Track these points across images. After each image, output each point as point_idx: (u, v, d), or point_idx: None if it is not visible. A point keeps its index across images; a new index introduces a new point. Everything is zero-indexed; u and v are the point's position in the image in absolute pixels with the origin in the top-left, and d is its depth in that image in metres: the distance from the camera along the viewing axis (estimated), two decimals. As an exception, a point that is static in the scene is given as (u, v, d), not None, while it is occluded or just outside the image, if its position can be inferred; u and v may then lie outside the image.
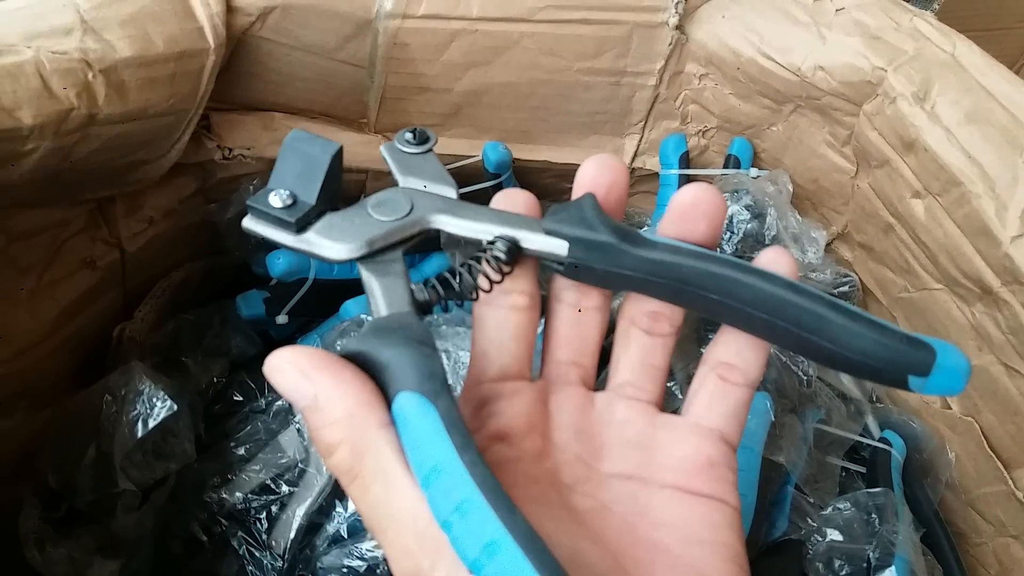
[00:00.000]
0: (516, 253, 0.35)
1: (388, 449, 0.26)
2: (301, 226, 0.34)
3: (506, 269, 0.35)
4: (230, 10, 0.56)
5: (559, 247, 0.35)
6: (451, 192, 0.37)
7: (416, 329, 0.30)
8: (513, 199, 0.36)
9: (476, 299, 0.35)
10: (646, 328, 0.37)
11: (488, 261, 0.35)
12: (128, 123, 0.51)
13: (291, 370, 0.28)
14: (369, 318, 0.57)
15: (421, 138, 0.39)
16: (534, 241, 0.35)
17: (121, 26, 0.50)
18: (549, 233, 0.35)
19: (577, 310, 0.37)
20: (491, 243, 0.35)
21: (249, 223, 0.34)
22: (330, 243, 0.34)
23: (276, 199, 0.34)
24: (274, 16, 0.58)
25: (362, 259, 0.34)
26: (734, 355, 0.36)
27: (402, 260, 0.35)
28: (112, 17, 0.50)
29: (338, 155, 0.35)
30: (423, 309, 0.34)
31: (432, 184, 0.37)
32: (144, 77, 0.51)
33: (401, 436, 0.27)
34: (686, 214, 0.35)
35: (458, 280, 0.34)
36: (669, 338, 0.37)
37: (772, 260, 0.34)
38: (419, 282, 0.34)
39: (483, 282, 0.35)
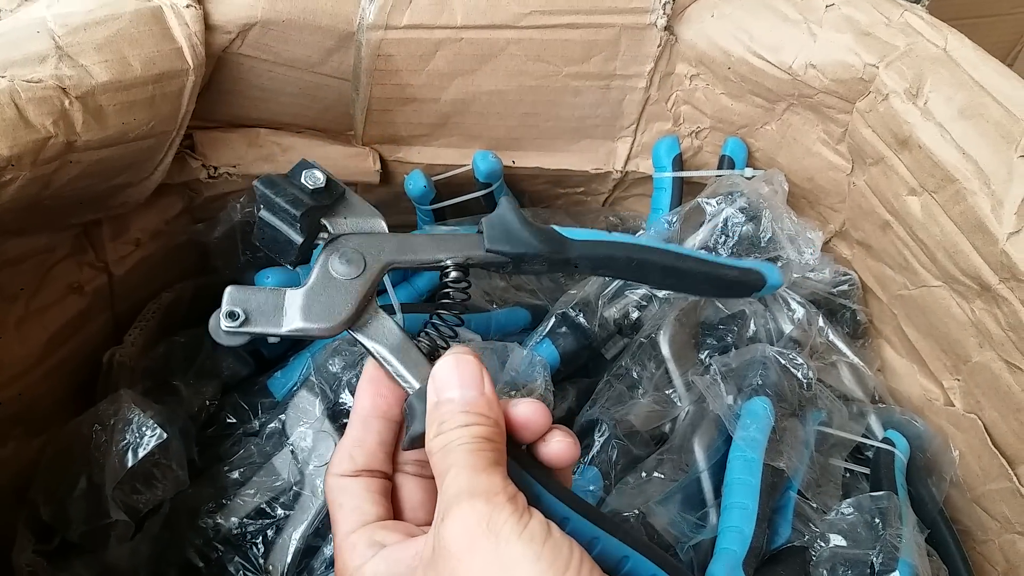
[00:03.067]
0: (467, 272, 0.43)
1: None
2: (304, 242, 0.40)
3: (466, 284, 0.43)
4: (208, 29, 0.55)
5: (501, 259, 0.43)
6: (380, 223, 0.42)
7: None
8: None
9: (461, 323, 0.43)
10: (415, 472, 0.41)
11: (451, 296, 0.42)
12: (108, 148, 0.51)
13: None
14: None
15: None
16: (480, 259, 0.43)
17: (97, 51, 0.49)
18: (491, 252, 0.43)
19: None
20: (446, 273, 0.42)
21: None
22: (320, 324, 0.38)
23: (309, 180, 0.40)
24: (254, 33, 0.57)
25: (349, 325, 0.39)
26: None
27: (385, 315, 0.40)
28: (87, 42, 0.49)
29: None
30: (433, 356, 0.39)
31: (359, 220, 0.42)
32: (122, 101, 0.50)
33: None
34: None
35: (441, 322, 0.42)
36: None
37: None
38: (416, 335, 0.41)
39: (457, 309, 0.42)
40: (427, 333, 0.41)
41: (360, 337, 0.39)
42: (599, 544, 0.37)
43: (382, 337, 0.39)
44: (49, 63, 0.47)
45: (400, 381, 0.38)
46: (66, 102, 0.47)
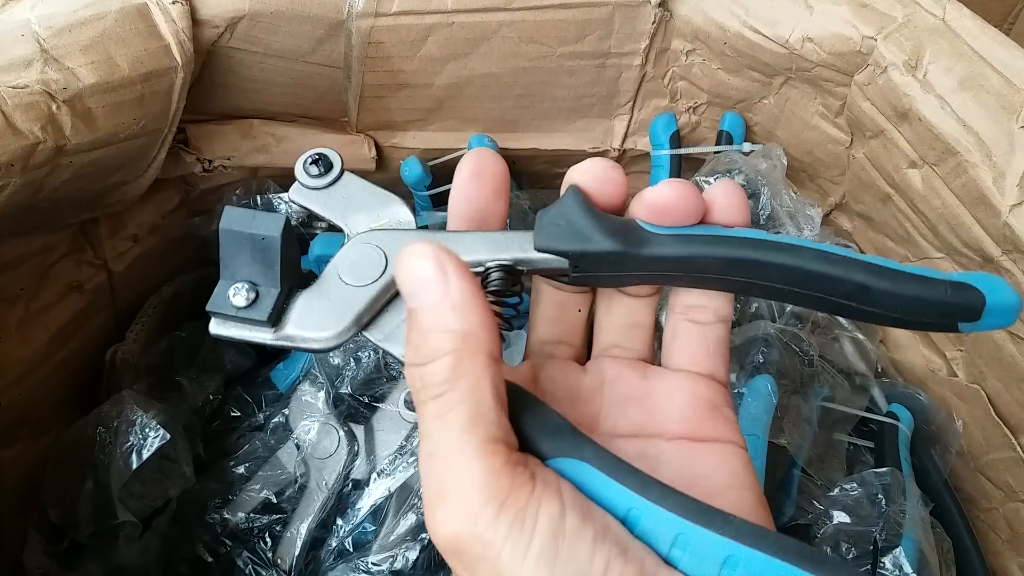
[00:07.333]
0: (516, 278, 0.33)
1: (489, 384, 0.26)
2: (275, 321, 0.31)
3: (512, 295, 0.34)
4: (196, 24, 0.55)
5: (559, 262, 0.33)
6: (406, 214, 0.34)
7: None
8: (482, 163, 0.33)
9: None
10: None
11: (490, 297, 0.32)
12: (99, 149, 0.51)
13: (432, 263, 0.27)
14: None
15: (325, 164, 0.35)
16: (531, 262, 0.33)
17: (83, 52, 0.49)
18: (543, 251, 0.32)
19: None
20: (486, 275, 0.33)
21: (217, 329, 0.32)
22: (315, 333, 0.32)
23: (237, 297, 0.31)
24: (242, 26, 0.57)
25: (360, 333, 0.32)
26: (698, 296, 0.35)
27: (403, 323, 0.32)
28: (73, 44, 0.48)
29: (287, 228, 0.31)
30: None
31: (382, 211, 0.34)
32: (111, 102, 0.50)
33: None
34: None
35: None
36: (652, 298, 0.36)
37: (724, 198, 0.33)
38: None
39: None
40: None
41: (370, 336, 0.32)
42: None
43: (395, 333, 0.32)
44: (35, 67, 0.47)
45: None
46: (53, 106, 0.47)
